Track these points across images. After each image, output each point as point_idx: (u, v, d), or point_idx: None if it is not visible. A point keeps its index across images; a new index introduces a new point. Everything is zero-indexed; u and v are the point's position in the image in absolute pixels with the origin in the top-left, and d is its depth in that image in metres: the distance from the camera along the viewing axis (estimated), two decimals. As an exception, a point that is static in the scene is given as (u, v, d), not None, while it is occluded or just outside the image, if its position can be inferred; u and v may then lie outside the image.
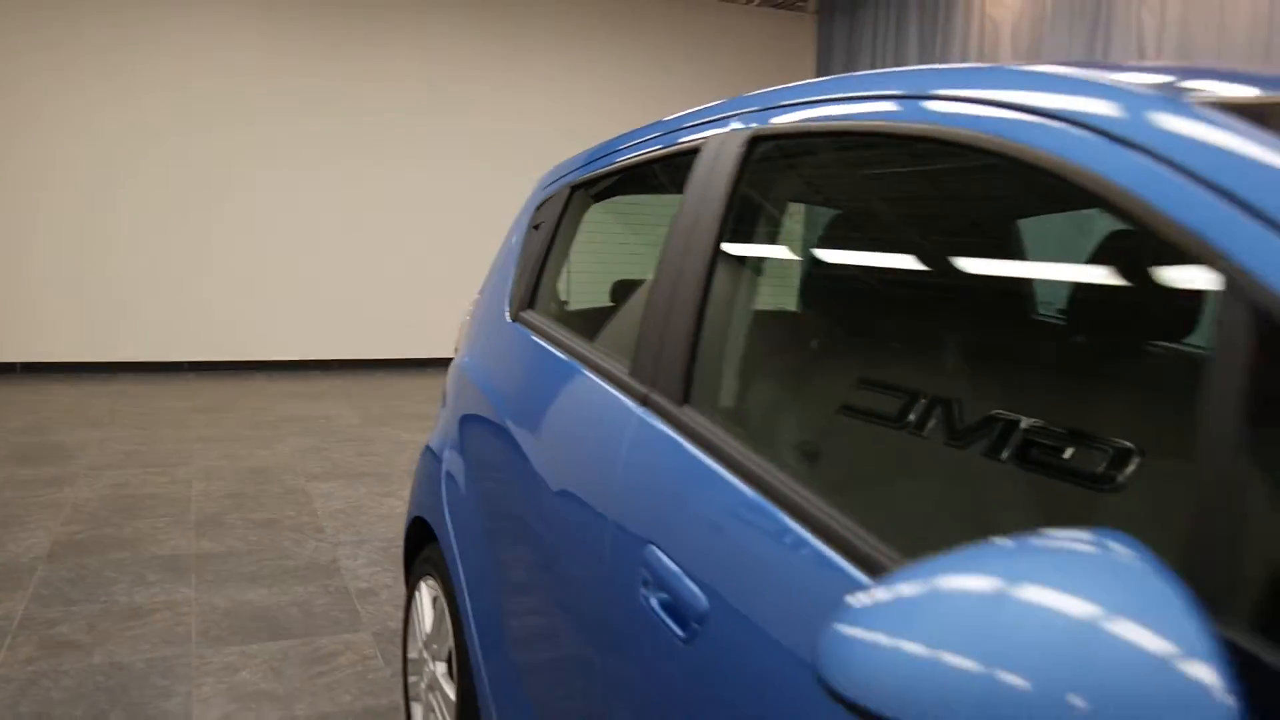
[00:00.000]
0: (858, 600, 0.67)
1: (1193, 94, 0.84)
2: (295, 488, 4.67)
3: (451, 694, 2.01)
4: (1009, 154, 0.93)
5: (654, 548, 1.23)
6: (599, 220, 2.05)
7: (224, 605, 3.21)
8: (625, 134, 1.87)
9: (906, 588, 0.65)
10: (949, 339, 1.23)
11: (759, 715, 0.99)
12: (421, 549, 2.31)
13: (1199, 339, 0.89)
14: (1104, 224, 1.00)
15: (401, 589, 3.39)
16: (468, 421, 2.07)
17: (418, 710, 2.27)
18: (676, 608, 1.16)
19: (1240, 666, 0.61)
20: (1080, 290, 1.15)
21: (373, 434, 5.89)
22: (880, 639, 0.63)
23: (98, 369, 7.74)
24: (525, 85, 8.65)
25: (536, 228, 2.13)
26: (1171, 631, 0.55)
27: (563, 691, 1.47)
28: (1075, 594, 0.58)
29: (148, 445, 5.41)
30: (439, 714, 2.10)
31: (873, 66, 9.17)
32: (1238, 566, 0.64)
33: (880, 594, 0.66)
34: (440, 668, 2.11)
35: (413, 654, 2.29)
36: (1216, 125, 0.78)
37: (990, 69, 1.03)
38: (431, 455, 2.25)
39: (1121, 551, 0.60)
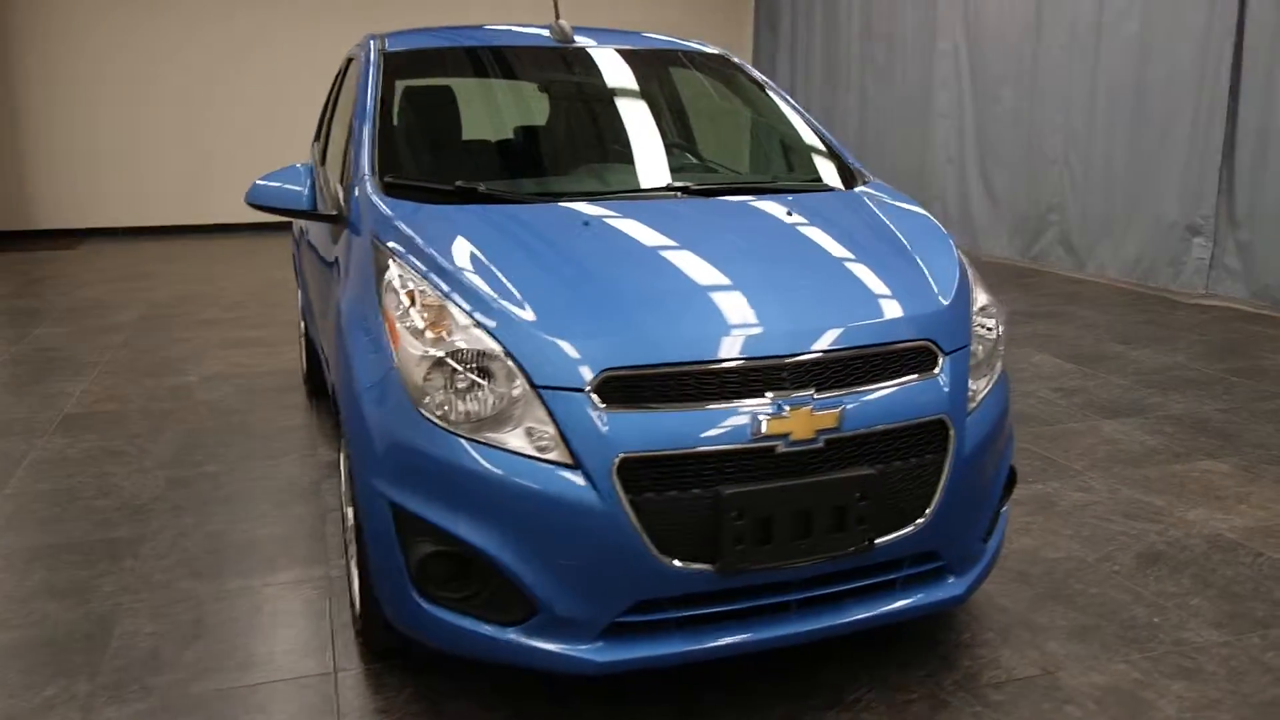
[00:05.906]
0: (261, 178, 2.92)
1: (385, 41, 3.05)
2: (279, 298, 7.13)
3: (303, 328, 4.38)
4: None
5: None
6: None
7: (232, 337, 5.68)
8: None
9: (275, 175, 2.89)
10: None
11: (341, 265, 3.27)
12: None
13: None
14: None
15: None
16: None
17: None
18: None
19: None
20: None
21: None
22: (263, 182, 2.87)
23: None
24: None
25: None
26: (297, 183, 2.77)
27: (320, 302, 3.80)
28: (297, 172, 2.81)
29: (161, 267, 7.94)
30: (299, 334, 4.49)
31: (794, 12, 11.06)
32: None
33: (268, 176, 2.90)
34: (304, 326, 4.49)
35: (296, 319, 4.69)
36: (394, 50, 3.00)
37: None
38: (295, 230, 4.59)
39: (303, 166, 2.81)
